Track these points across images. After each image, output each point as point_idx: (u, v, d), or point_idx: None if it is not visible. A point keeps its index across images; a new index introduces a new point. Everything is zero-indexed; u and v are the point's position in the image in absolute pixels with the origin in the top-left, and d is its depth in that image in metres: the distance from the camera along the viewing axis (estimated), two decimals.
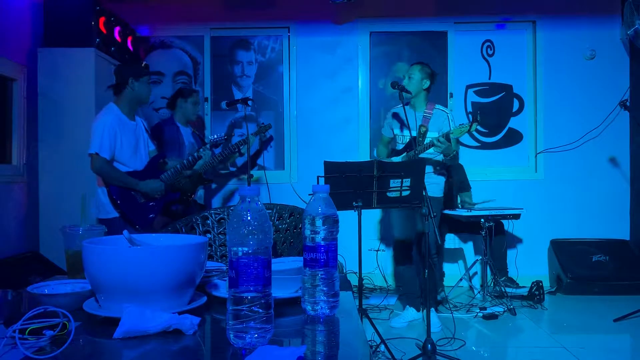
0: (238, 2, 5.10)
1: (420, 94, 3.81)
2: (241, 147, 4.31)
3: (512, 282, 4.54)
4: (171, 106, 4.35)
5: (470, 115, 5.17)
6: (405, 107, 3.80)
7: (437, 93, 5.10)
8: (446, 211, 4.28)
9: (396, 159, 3.80)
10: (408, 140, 3.74)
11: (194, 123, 4.53)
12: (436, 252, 3.73)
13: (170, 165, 3.53)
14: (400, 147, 3.85)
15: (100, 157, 3.15)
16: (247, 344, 0.95)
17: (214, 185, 5.05)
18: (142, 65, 3.41)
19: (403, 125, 3.78)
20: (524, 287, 4.42)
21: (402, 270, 3.91)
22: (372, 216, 4.96)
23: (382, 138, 4.08)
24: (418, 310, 3.81)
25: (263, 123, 4.80)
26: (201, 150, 3.72)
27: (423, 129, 3.72)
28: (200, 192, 4.39)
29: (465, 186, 4.62)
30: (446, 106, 5.17)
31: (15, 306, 1.36)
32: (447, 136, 3.49)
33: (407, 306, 3.85)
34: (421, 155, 3.67)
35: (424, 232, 3.04)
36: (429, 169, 3.75)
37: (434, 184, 3.80)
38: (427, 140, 3.67)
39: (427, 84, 3.80)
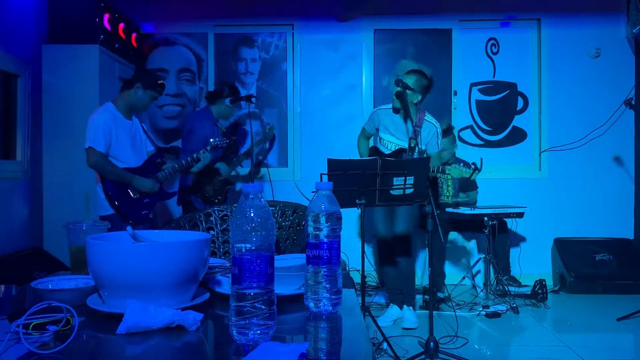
0: None
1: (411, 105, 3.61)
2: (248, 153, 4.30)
3: (515, 281, 4.53)
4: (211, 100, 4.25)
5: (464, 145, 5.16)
6: (397, 115, 3.74)
7: (441, 91, 5.09)
8: (448, 209, 4.28)
9: None
10: (395, 148, 3.66)
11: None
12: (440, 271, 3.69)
13: (168, 165, 3.58)
14: (386, 152, 3.72)
15: (95, 151, 3.17)
16: (249, 340, 0.95)
17: (237, 187, 4.93)
18: (159, 82, 3.41)
19: (388, 130, 3.71)
20: (526, 285, 4.42)
21: (386, 269, 3.89)
22: None
23: (364, 131, 3.96)
24: (401, 309, 3.75)
25: (268, 123, 4.76)
26: (201, 152, 3.69)
27: (413, 142, 3.54)
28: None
29: (471, 185, 4.63)
30: (450, 105, 5.17)
31: (19, 301, 1.36)
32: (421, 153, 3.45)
33: (391, 304, 3.81)
34: None
35: (403, 234, 2.94)
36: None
37: None
38: (415, 155, 3.50)
39: (418, 98, 3.63)
